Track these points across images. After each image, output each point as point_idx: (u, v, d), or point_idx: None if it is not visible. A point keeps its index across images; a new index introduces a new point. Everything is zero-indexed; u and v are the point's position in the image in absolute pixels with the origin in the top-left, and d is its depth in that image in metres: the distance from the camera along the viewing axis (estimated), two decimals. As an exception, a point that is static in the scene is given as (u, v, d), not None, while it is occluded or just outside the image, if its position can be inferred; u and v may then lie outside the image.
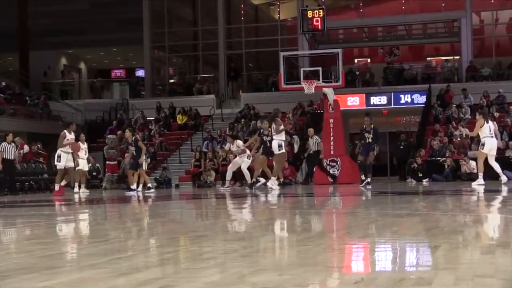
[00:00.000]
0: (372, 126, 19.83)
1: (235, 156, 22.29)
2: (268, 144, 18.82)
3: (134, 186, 20.26)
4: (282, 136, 18.66)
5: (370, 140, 19.66)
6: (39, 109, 33.85)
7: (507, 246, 4.84)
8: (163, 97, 35.95)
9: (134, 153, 20.17)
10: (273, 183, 18.35)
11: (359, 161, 20.41)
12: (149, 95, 37.38)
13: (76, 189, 21.13)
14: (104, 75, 42.52)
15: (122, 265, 4.30)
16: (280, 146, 18.41)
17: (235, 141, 22.45)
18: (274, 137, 18.51)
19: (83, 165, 21.33)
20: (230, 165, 22.22)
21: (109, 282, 3.64)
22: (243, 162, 21.54)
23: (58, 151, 19.74)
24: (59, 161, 19.61)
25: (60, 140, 19.63)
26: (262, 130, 19.72)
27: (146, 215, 10.40)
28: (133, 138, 20.26)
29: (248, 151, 21.38)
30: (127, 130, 21.46)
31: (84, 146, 21.11)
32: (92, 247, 5.45)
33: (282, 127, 18.60)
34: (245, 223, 8.19)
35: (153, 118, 33.17)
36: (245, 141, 23.77)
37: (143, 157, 20.20)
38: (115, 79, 43.45)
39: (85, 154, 21.33)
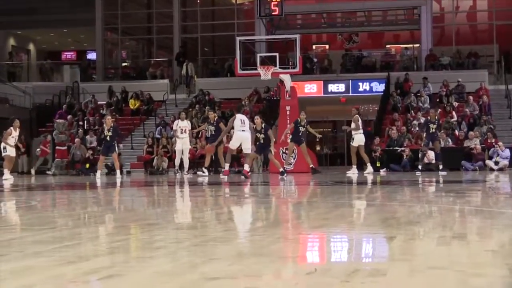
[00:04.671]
0: (436, 117, 21.78)
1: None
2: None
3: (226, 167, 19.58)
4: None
5: (433, 130, 21.51)
6: (-15, 91, 32.73)
7: (463, 238, 4.86)
8: (115, 81, 35.04)
9: (213, 133, 20.87)
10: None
11: (422, 151, 22.87)
12: (101, 78, 36.46)
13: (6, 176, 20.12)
14: (54, 57, 41.48)
15: (69, 253, 4.19)
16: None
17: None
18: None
19: (11, 152, 20.50)
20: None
21: (56, 270, 3.57)
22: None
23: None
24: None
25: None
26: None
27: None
28: (215, 119, 21.25)
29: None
30: (210, 112, 22.97)
31: (15, 133, 20.27)
32: (40, 234, 5.24)
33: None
34: (198, 212, 7.95)
35: (104, 103, 32.30)
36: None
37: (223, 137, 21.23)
38: (65, 61, 42.40)
39: (15, 141, 20.55)
